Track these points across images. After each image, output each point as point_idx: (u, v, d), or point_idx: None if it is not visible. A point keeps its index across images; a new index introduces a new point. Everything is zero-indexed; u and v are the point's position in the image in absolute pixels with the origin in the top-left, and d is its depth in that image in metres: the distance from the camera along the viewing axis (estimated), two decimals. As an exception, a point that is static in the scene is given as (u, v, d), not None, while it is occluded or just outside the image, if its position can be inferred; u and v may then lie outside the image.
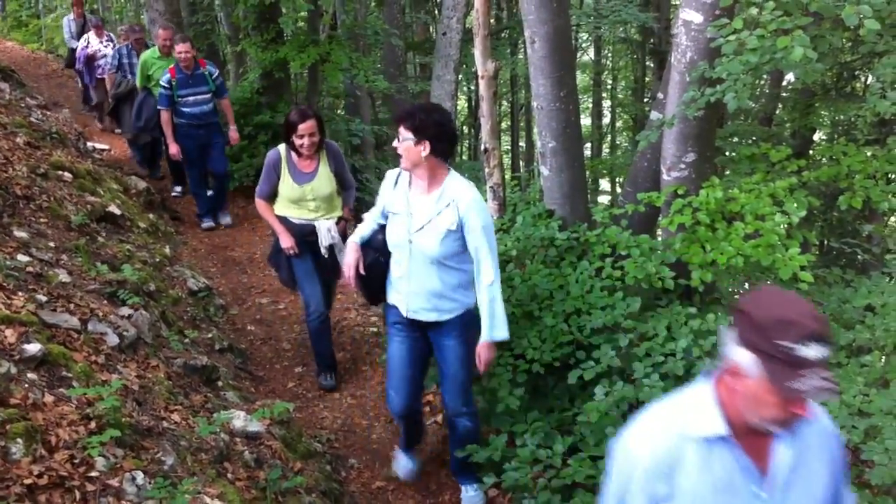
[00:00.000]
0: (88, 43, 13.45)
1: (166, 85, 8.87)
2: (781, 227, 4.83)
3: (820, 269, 6.14)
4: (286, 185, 5.77)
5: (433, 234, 4.19)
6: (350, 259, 4.53)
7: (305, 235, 5.87)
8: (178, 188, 10.88)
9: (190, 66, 8.94)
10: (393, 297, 4.55)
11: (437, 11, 20.89)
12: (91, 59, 13.40)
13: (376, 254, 4.55)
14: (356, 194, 6.48)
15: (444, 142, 4.13)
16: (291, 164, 5.77)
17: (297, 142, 5.62)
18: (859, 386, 4.37)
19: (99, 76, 13.29)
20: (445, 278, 4.30)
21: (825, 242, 17.25)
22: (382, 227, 4.54)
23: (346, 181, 6.06)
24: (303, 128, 5.57)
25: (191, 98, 8.98)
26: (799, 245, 4.82)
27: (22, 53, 19.87)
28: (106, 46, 13.13)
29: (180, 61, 8.90)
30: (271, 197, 5.93)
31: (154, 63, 9.81)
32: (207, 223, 9.80)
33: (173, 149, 9.16)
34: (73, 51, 14.24)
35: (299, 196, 5.77)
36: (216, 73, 9.23)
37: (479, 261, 4.23)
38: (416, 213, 4.25)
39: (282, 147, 5.81)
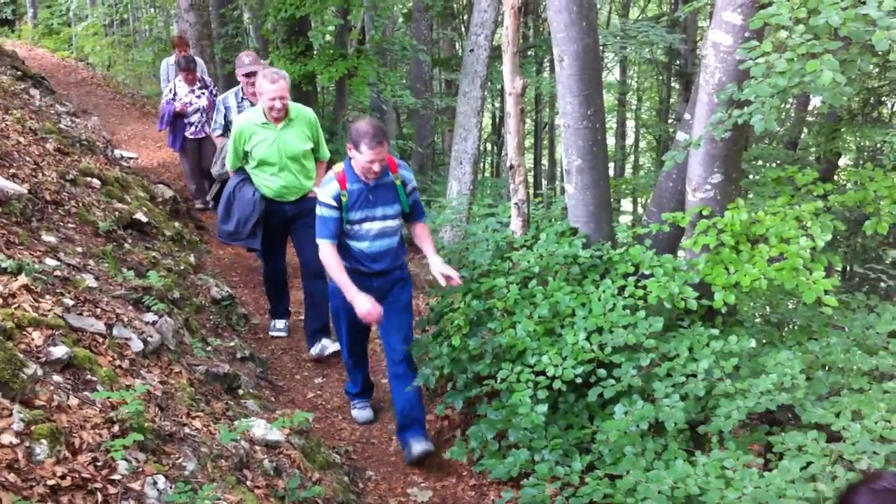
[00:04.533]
0: (175, 94, 9.80)
1: (333, 203, 5.09)
2: (806, 250, 4.82)
3: (843, 293, 6.10)
4: None
5: None
6: None
7: None
8: (323, 345, 6.88)
9: (378, 173, 5.08)
10: None
11: (463, 28, 21.01)
12: (179, 117, 9.81)
13: None
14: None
15: None
16: None
17: None
18: (881, 412, 4.33)
19: (192, 136, 9.90)
20: None
21: (849, 268, 17.19)
22: None
23: None
24: None
25: (366, 225, 5.23)
26: (823, 269, 4.80)
27: (52, 61, 20.10)
28: (199, 97, 9.74)
29: (365, 172, 5.05)
30: None
31: (254, 132, 6.26)
32: (362, 410, 6.16)
33: (366, 307, 5.00)
34: None
35: None
36: (411, 183, 5.36)
37: None
38: None
39: None
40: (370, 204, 5.19)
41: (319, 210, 5.17)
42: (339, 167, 5.20)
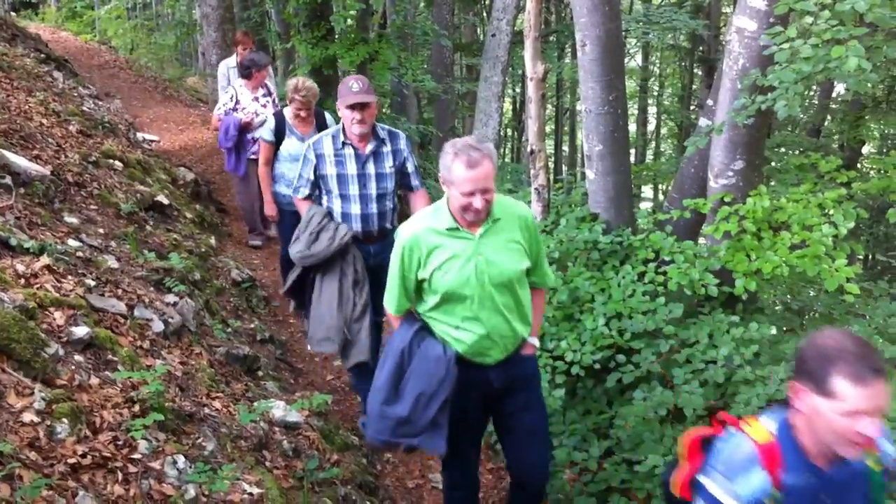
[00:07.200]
0: (237, 101, 7.88)
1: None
2: (828, 238, 4.78)
3: (866, 282, 6.06)
4: None
5: None
6: None
7: None
8: None
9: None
10: None
11: (485, 14, 20.95)
12: (245, 130, 7.81)
13: None
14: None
15: None
16: None
17: None
18: (903, 401, 4.31)
19: (255, 156, 7.54)
20: None
21: (871, 256, 17.08)
22: None
23: None
24: None
25: None
26: (846, 257, 4.77)
27: (75, 44, 20.18)
28: (265, 105, 7.84)
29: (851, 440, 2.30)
30: None
31: (437, 245, 3.58)
32: None
33: None
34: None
35: None
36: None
37: None
38: None
39: None
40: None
41: None
42: (761, 433, 2.44)
